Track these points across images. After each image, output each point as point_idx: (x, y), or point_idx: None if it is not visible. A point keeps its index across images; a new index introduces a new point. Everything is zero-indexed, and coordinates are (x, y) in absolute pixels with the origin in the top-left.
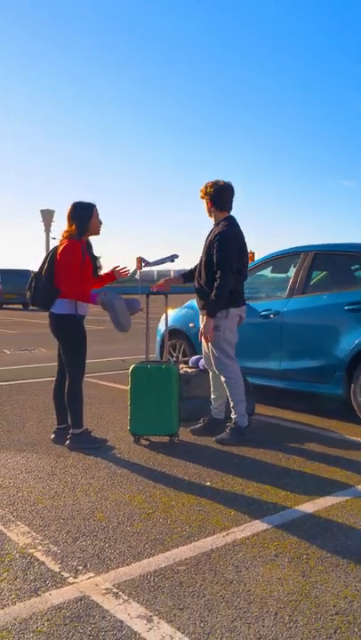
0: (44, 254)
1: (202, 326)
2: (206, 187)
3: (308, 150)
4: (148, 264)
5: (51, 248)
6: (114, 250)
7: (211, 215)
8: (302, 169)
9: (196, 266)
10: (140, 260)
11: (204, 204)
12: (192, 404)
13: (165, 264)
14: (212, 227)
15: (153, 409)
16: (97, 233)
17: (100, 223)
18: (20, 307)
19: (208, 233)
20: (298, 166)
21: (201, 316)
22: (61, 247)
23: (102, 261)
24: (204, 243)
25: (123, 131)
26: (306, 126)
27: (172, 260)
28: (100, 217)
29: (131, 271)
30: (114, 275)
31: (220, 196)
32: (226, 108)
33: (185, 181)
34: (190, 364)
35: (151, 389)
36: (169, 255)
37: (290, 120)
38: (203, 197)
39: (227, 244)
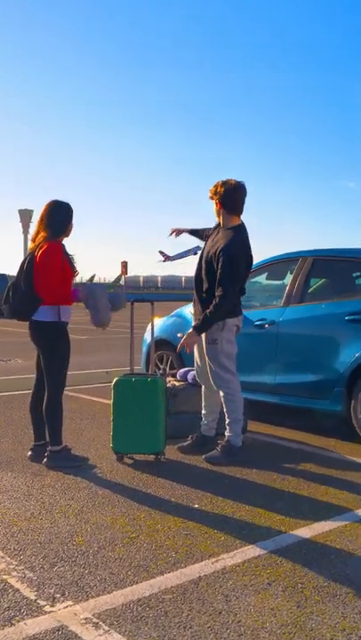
0: (22, 257)
1: (185, 336)
2: (216, 186)
3: (308, 150)
4: (168, 258)
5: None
6: (97, 253)
7: (219, 217)
8: (303, 169)
9: (201, 252)
10: (161, 254)
11: (213, 206)
12: (180, 420)
13: (188, 257)
14: (218, 230)
15: (137, 425)
16: (69, 235)
17: (72, 227)
18: None
19: (212, 234)
20: (298, 166)
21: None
22: (41, 251)
23: (76, 259)
24: (206, 244)
25: (110, 127)
26: (307, 125)
27: (195, 253)
28: (82, 218)
29: (115, 277)
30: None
31: (231, 197)
32: (223, 107)
33: (178, 182)
34: (178, 377)
35: (136, 404)
36: (192, 247)
37: (290, 118)
38: (212, 198)
39: (234, 264)
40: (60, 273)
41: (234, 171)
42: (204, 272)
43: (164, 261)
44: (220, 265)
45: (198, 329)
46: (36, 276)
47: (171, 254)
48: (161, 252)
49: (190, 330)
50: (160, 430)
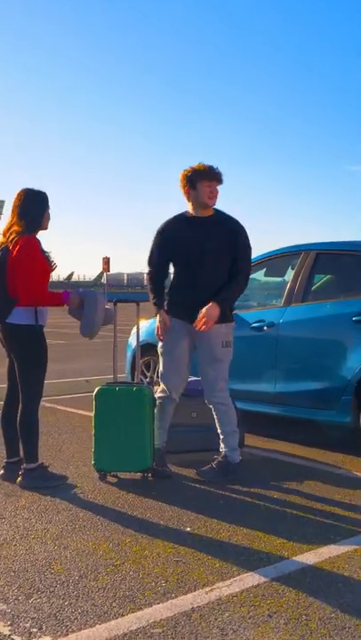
0: None
1: (203, 311)
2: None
3: (308, 134)
4: None
5: None
6: (76, 249)
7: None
8: (302, 154)
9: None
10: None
11: (205, 191)
12: (172, 434)
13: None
14: (192, 217)
15: (122, 440)
16: (46, 228)
17: (49, 218)
18: None
19: (186, 223)
20: (297, 151)
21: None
22: (17, 246)
23: (53, 256)
24: (184, 234)
25: (89, 109)
26: (306, 107)
27: None
28: (60, 209)
29: (96, 274)
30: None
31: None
32: (218, 89)
33: (168, 170)
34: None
35: (120, 416)
36: None
37: (289, 100)
38: (220, 183)
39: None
40: (39, 271)
41: (228, 156)
42: (212, 263)
43: None
44: (242, 249)
45: (223, 301)
46: (11, 275)
47: None
48: None
49: (210, 303)
50: (147, 445)
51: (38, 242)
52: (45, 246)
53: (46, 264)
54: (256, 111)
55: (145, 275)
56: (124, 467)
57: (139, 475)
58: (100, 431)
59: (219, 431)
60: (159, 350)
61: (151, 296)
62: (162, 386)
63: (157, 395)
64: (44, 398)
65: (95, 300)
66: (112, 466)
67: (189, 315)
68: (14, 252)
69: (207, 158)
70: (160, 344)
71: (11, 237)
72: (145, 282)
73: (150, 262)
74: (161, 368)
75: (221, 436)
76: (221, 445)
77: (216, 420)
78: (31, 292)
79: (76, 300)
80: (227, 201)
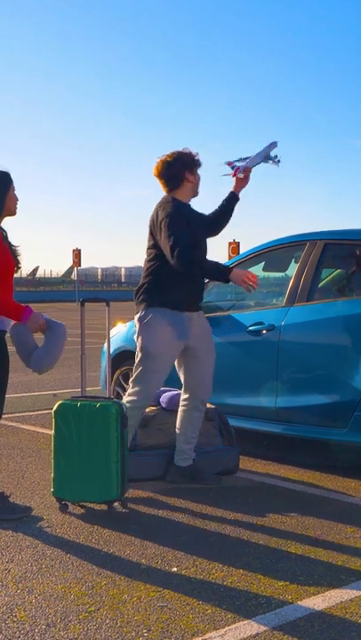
0: None
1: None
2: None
3: (311, 107)
4: (239, 170)
5: None
6: (44, 240)
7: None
8: (305, 128)
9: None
10: (232, 166)
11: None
12: (149, 458)
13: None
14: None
15: (83, 465)
16: (13, 213)
17: (17, 199)
18: None
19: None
20: (300, 126)
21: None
22: None
23: (23, 251)
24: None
25: (61, 72)
26: (308, 78)
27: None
28: (25, 195)
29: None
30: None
31: None
32: (211, 56)
33: (144, 152)
34: (163, 405)
35: (81, 436)
36: (267, 144)
37: (291, 68)
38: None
39: None
40: None
41: (220, 132)
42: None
43: (233, 175)
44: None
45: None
46: None
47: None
48: (229, 164)
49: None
50: (112, 472)
51: (1, 231)
52: (14, 239)
53: (8, 259)
54: (256, 82)
55: (178, 258)
56: (87, 496)
57: (113, 505)
58: (58, 454)
59: (192, 437)
60: (141, 345)
61: (212, 266)
62: (139, 390)
63: (134, 403)
64: (5, 416)
65: (63, 335)
66: (73, 495)
67: (194, 304)
68: None
69: (191, 135)
70: (142, 339)
71: None
72: (124, 278)
73: (185, 242)
74: (142, 367)
75: (187, 440)
76: (183, 450)
77: (188, 424)
78: None
79: (37, 322)
80: (214, 184)
